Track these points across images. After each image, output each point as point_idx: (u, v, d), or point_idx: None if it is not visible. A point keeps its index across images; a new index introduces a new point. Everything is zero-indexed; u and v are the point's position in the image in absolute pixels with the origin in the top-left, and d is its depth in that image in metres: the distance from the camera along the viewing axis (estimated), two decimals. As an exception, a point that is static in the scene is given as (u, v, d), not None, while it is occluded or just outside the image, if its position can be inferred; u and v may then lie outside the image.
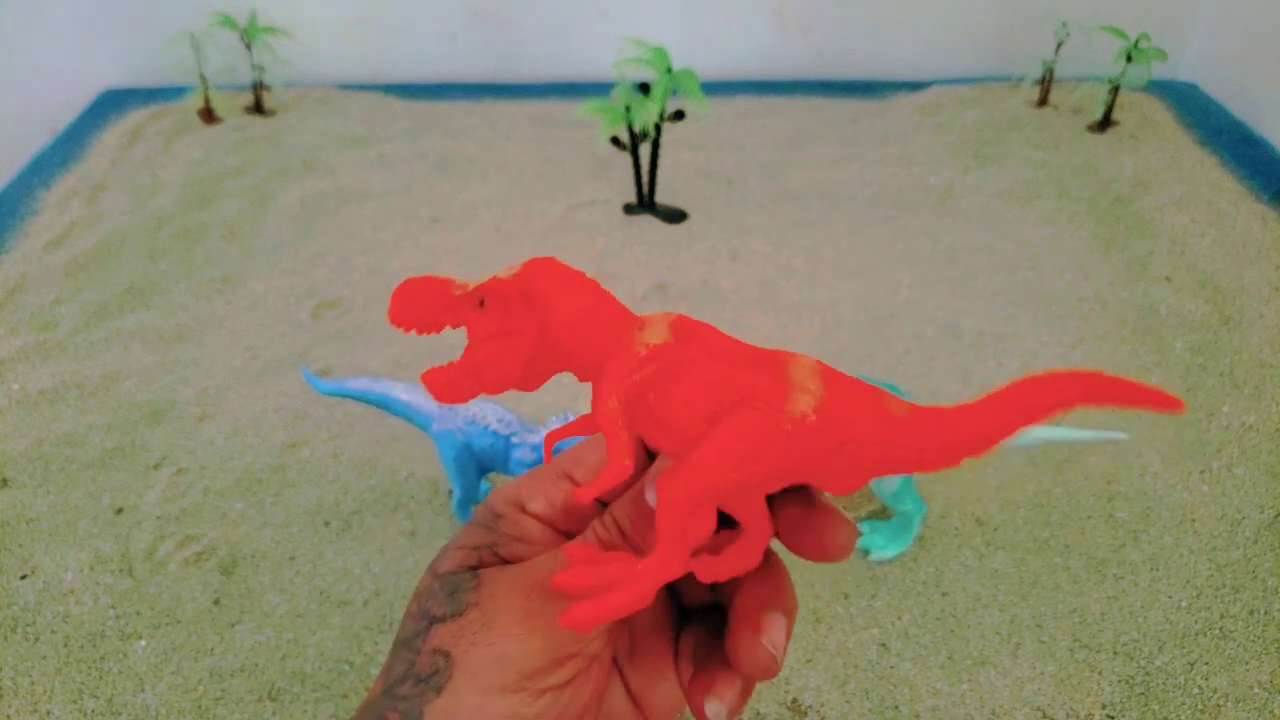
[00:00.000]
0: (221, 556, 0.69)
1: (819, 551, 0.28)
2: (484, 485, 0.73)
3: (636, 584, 0.26)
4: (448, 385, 0.28)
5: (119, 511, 0.73)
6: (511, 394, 0.83)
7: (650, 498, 0.29)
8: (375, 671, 0.62)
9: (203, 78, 1.27)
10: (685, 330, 0.27)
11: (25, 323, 0.93)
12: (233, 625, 0.65)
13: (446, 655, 0.27)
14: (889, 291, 0.97)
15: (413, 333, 0.28)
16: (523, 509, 0.32)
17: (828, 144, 1.26)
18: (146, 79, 1.40)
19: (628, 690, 0.32)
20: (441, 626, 0.28)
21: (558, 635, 0.28)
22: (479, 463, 0.66)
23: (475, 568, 0.30)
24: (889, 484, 0.64)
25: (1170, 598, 0.66)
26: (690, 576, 0.30)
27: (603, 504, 0.33)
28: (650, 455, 0.33)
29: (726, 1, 1.39)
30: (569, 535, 0.32)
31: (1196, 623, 0.64)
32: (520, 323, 0.27)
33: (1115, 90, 1.23)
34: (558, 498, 0.32)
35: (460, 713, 0.27)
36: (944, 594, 0.66)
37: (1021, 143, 1.24)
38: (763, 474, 0.26)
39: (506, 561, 0.30)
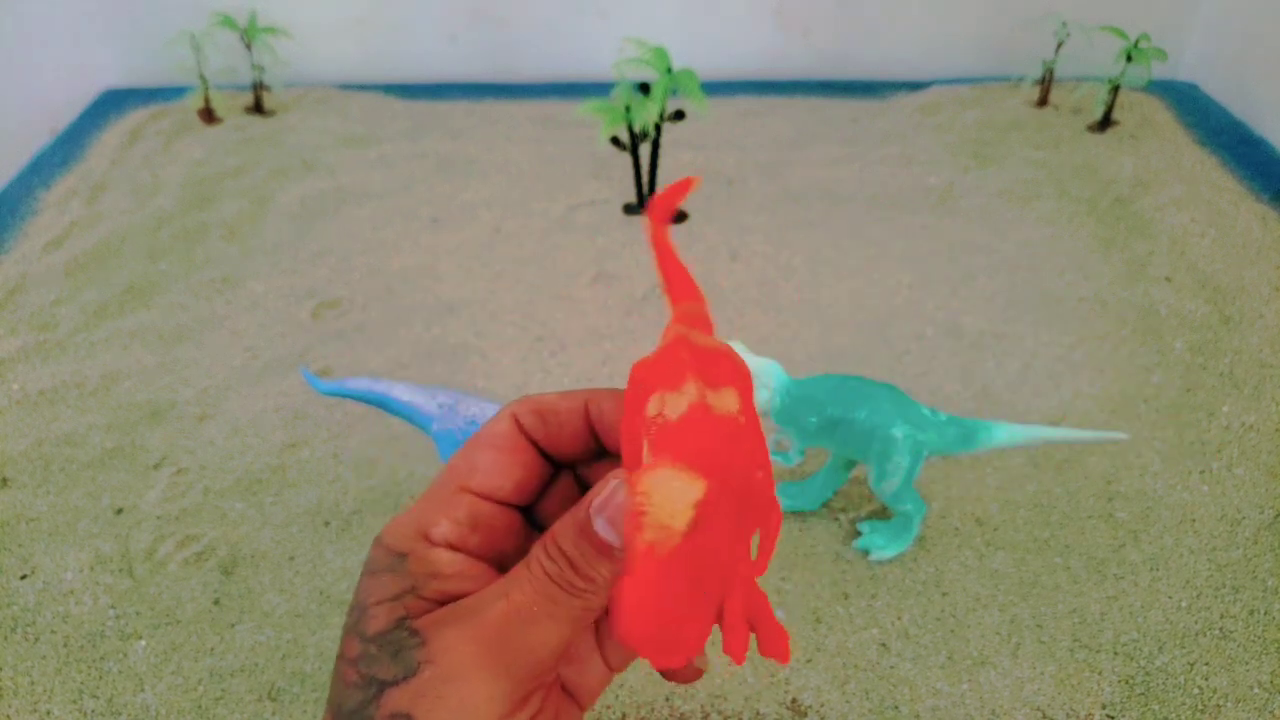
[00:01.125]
0: (221, 556, 0.69)
1: None
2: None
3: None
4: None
5: (119, 511, 0.73)
6: (510, 395, 0.83)
7: (600, 528, 0.27)
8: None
9: (203, 78, 1.27)
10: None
11: (25, 323, 0.93)
12: (233, 625, 0.65)
13: (408, 718, 0.26)
14: (889, 291, 0.97)
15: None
16: (428, 539, 0.30)
17: (828, 144, 1.26)
18: (147, 79, 1.40)
19: (561, 685, 0.32)
20: (395, 690, 0.27)
21: (523, 674, 0.27)
22: (479, 463, 0.65)
23: (404, 618, 0.28)
24: (889, 484, 0.64)
25: (1170, 598, 0.66)
26: None
27: (528, 520, 0.32)
28: (582, 484, 0.33)
29: (726, 2, 1.39)
30: (484, 558, 0.30)
31: (1196, 623, 0.64)
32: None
33: (1115, 90, 1.23)
34: (462, 515, 0.30)
35: None
36: (944, 594, 0.66)
37: (1021, 143, 1.24)
38: None
39: (434, 602, 0.29)
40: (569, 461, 0.33)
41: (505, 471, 0.31)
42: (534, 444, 0.32)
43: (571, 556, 0.28)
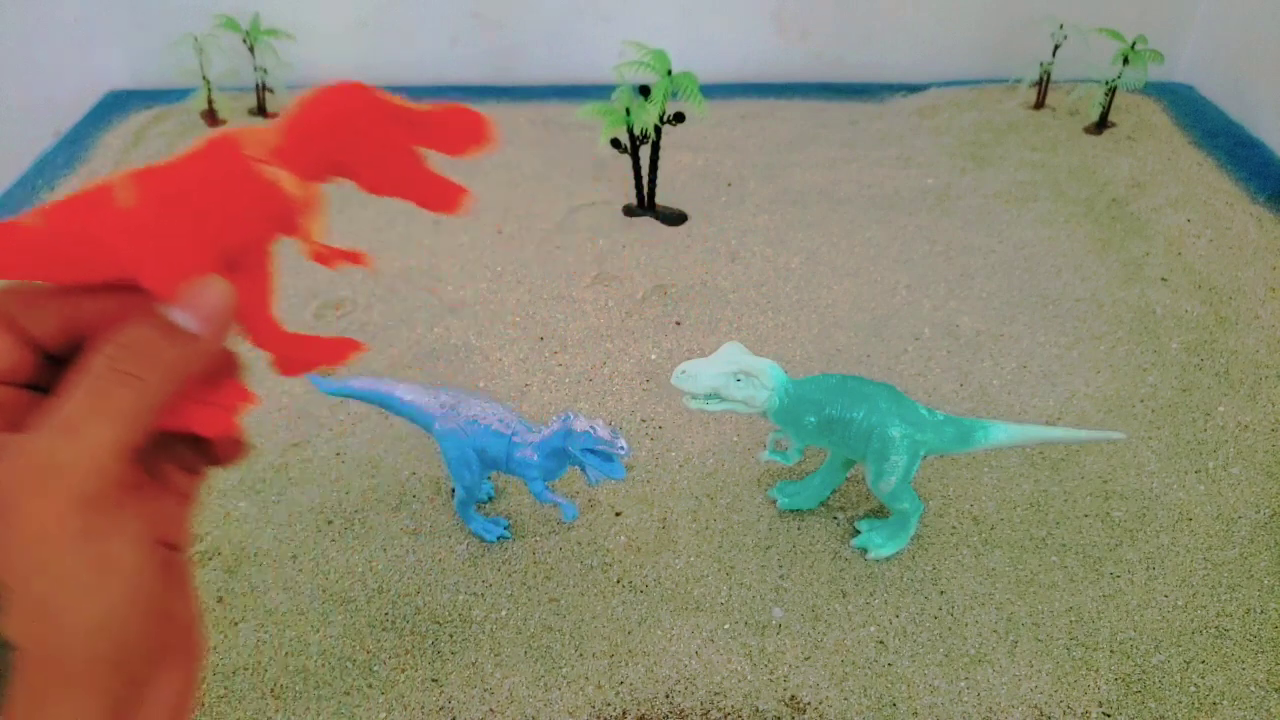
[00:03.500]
0: (225, 555, 0.70)
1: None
2: (486, 484, 0.74)
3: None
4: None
5: (123, 511, 0.74)
6: (511, 394, 0.84)
7: (177, 317, 0.27)
8: (378, 669, 0.62)
9: (206, 80, 1.27)
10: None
11: (29, 323, 0.94)
12: (236, 623, 0.65)
13: None
14: (887, 292, 0.97)
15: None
16: None
17: (826, 146, 1.26)
18: (150, 81, 1.40)
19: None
20: None
21: (82, 487, 0.24)
22: (481, 462, 0.66)
23: None
24: (886, 483, 0.65)
25: (1166, 596, 0.66)
26: None
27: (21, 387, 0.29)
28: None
29: (726, 5, 1.40)
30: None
31: (1193, 621, 0.64)
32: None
33: (1112, 92, 1.24)
34: None
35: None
36: (941, 592, 0.67)
37: (1018, 144, 1.25)
38: None
39: None
40: (54, 353, 0.29)
41: None
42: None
43: (130, 341, 0.26)
